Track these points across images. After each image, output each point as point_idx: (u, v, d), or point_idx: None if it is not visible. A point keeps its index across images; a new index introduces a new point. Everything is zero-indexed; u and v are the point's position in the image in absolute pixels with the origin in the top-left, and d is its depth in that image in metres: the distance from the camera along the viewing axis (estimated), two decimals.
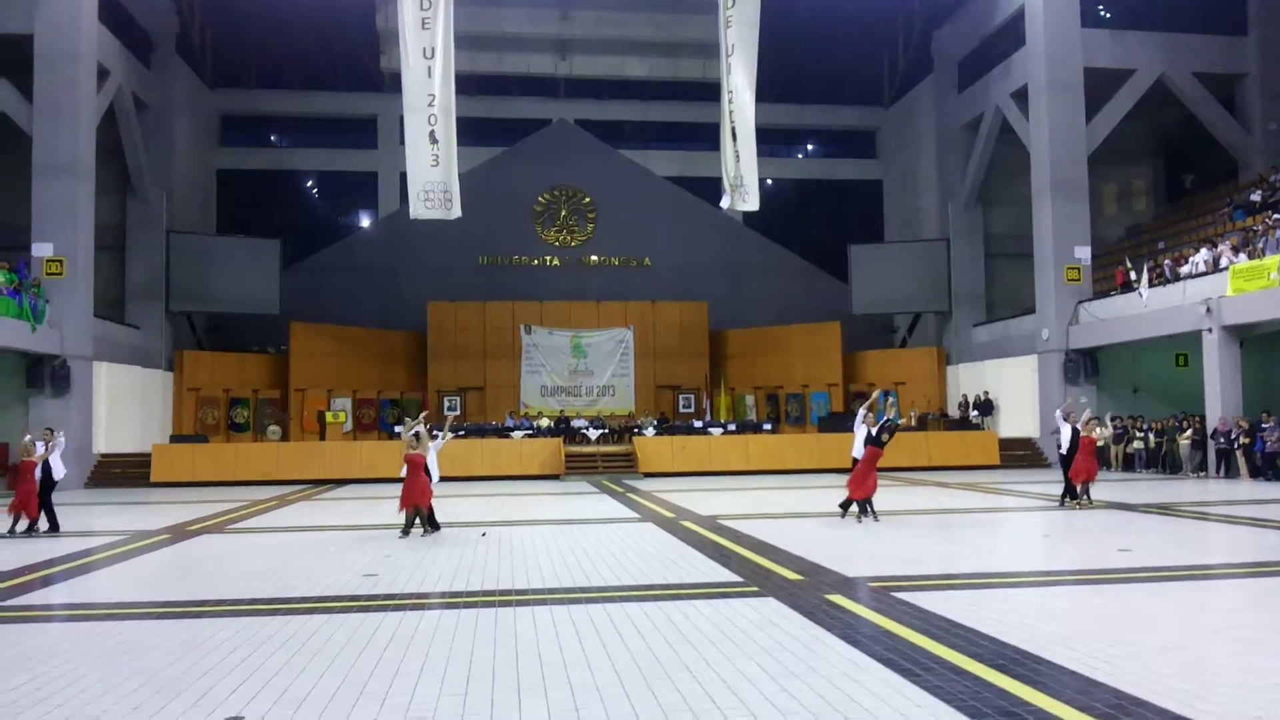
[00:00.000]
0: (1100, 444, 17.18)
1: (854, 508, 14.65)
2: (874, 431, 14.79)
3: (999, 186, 34.10)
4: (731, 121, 24.72)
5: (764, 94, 26.22)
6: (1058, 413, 17.47)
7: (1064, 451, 17.00)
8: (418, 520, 13.75)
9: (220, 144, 37.93)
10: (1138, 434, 26.59)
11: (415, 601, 8.77)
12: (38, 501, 14.76)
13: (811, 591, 8.84)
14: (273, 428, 31.13)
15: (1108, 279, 29.48)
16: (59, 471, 15.33)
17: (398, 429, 14.31)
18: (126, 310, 30.94)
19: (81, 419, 25.61)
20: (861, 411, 15.34)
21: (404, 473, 13.84)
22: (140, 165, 30.51)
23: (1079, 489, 16.64)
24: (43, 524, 14.92)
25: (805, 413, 34.60)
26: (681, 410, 34.87)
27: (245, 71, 37.47)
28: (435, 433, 15.65)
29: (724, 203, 25.58)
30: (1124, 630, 7.16)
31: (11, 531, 14.54)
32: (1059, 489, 17.20)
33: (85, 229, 26.06)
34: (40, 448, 15.15)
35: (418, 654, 6.71)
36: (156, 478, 25.98)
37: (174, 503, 20.64)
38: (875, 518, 14.49)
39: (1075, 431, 16.65)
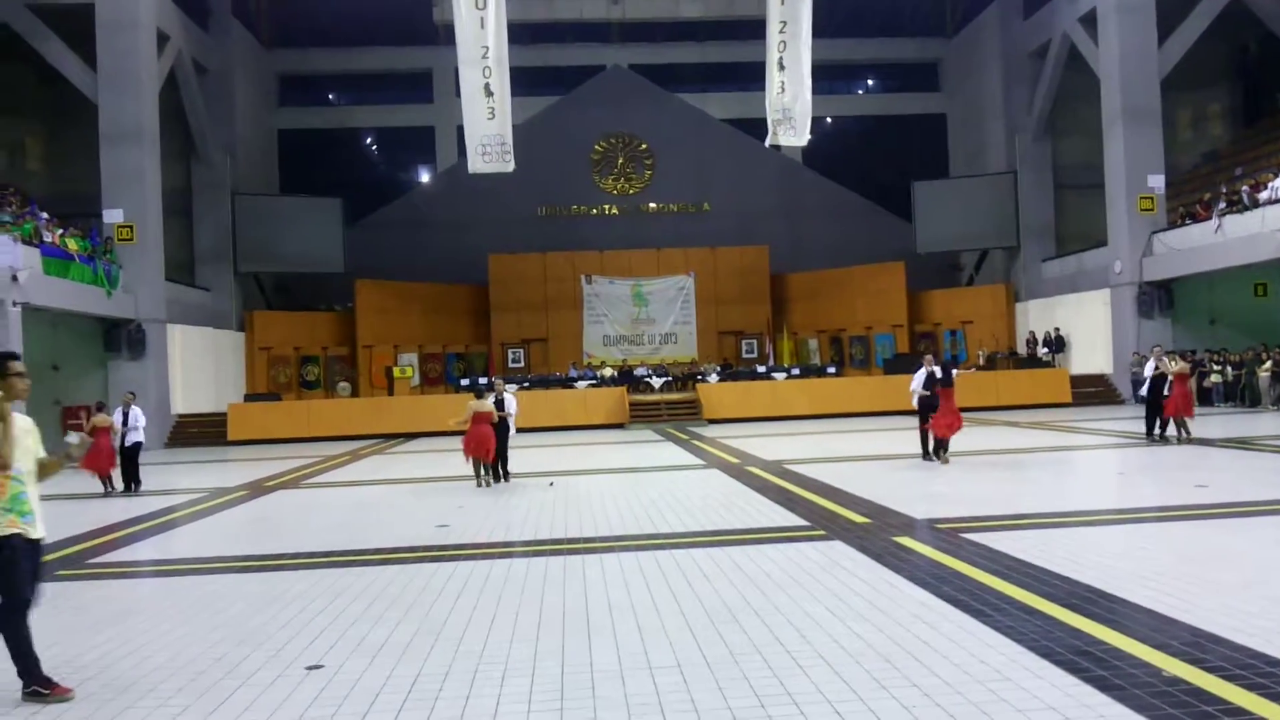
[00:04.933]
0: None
1: (941, 449, 14.50)
2: (937, 372, 14.68)
3: (1068, 115, 33.05)
4: (780, 52, 24.22)
5: (821, 29, 25.69)
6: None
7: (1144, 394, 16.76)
8: (486, 470, 14.09)
9: (279, 105, 38.26)
10: (1215, 367, 25.88)
11: (486, 550, 8.92)
12: (109, 459, 15.21)
13: (878, 534, 8.80)
14: (342, 384, 31.71)
15: (1183, 208, 28.51)
16: (130, 437, 15.64)
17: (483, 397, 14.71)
18: (196, 273, 31.61)
19: (158, 381, 26.33)
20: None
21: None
22: (203, 129, 30.96)
23: (1173, 423, 16.35)
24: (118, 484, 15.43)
25: (870, 355, 34.25)
26: (744, 356, 34.76)
27: (300, 31, 37.58)
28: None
29: (768, 139, 25.18)
30: (1201, 568, 7.02)
31: (107, 492, 15.03)
32: (1134, 425, 16.86)
33: (153, 194, 26.57)
34: (117, 416, 15.54)
35: (490, 601, 6.82)
36: (233, 436, 26.67)
37: (250, 460, 21.19)
38: (945, 460, 14.38)
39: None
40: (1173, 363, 16.81)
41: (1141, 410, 17.66)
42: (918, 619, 5.87)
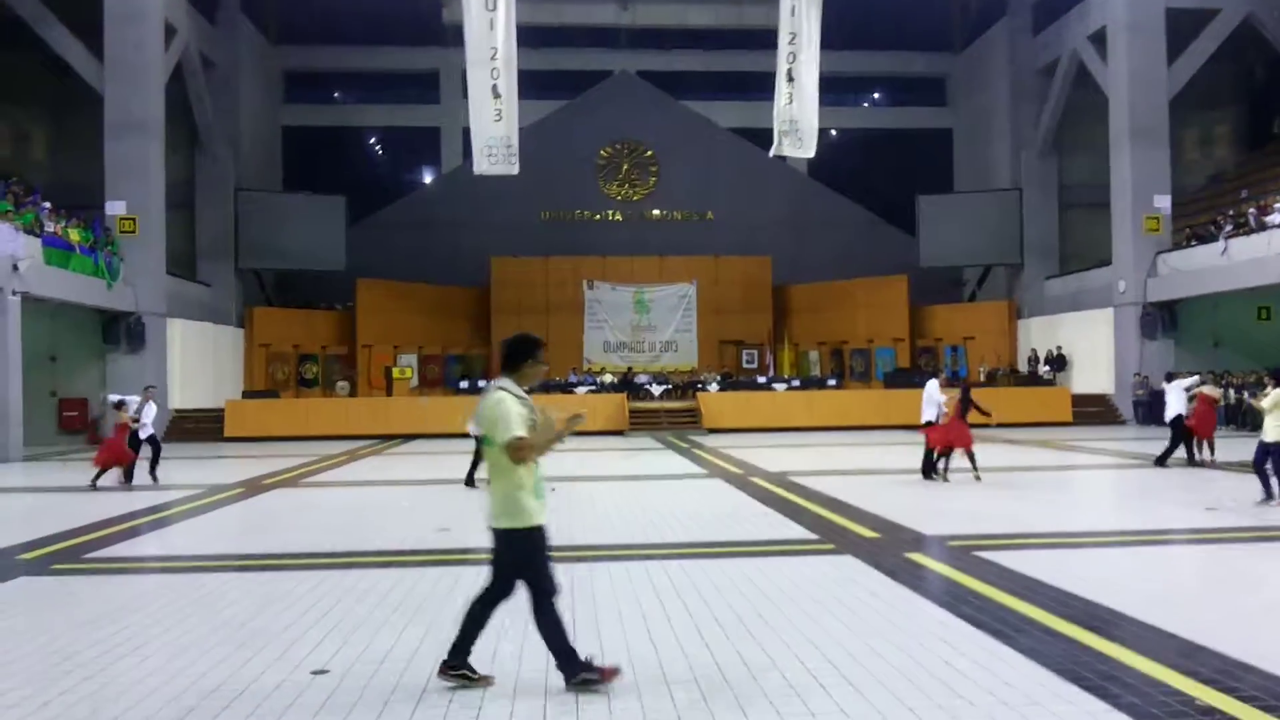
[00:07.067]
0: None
1: (942, 464, 14.34)
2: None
3: (1075, 133, 32.99)
4: (788, 64, 24.16)
5: (830, 41, 25.57)
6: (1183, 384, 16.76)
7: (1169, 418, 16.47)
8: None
9: (285, 101, 38.12)
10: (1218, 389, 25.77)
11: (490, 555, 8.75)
12: (131, 454, 15.20)
13: (890, 550, 8.67)
14: (341, 383, 31.53)
15: (1189, 229, 28.44)
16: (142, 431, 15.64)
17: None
18: (197, 267, 31.45)
19: (156, 375, 26.05)
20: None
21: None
22: (208, 123, 30.83)
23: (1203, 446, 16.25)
24: (143, 478, 15.35)
25: (870, 368, 34.13)
26: (745, 366, 34.62)
27: (308, 28, 37.41)
28: None
29: (772, 150, 25.07)
30: (1222, 592, 6.91)
31: (93, 485, 14.86)
32: (1137, 446, 16.72)
33: (156, 187, 26.42)
34: (133, 407, 15.54)
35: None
36: (230, 433, 26.49)
37: (247, 457, 21.03)
38: (945, 477, 14.23)
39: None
40: (1189, 383, 16.67)
41: (1158, 432, 17.37)
42: (939, 639, 5.73)
